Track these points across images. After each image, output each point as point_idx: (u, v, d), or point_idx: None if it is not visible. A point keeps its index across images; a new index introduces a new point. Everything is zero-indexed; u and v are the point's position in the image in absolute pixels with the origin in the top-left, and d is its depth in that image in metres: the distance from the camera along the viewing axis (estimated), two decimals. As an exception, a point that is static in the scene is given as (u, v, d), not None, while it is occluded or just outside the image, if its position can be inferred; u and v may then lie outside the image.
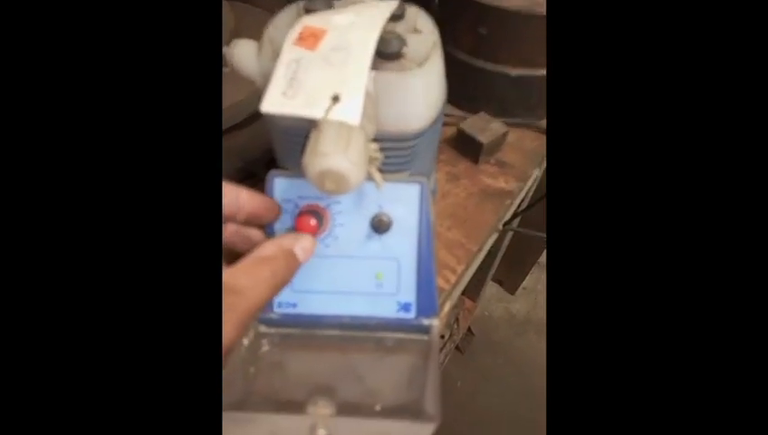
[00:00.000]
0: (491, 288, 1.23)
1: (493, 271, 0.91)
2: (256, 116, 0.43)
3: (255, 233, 0.25)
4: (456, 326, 1.01)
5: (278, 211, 0.25)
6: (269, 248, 0.21)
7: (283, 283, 0.20)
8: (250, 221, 0.24)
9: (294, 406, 0.22)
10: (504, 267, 1.05)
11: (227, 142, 0.41)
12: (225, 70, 0.28)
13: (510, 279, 1.21)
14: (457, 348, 1.12)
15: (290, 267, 0.21)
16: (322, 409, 0.22)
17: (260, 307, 0.18)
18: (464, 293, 0.98)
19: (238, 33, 0.25)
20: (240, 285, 0.18)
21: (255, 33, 0.24)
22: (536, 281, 1.29)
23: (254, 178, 0.39)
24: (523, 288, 1.26)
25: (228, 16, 0.46)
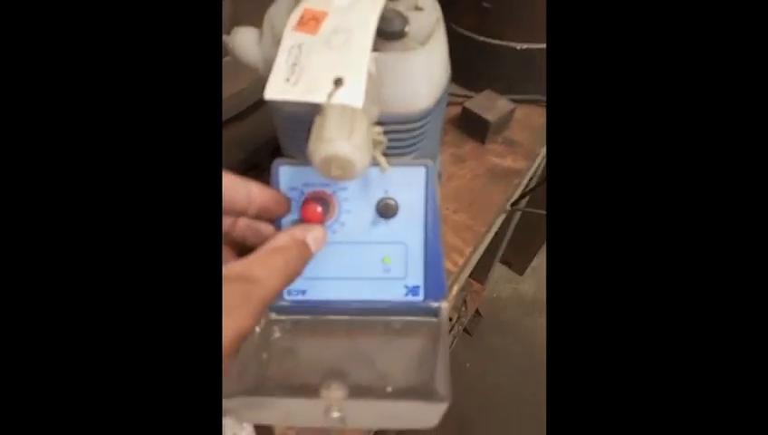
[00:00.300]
0: (499, 268, 1.23)
1: (500, 253, 0.91)
2: (258, 105, 0.42)
3: (266, 227, 0.25)
4: (464, 309, 1.02)
5: (288, 205, 0.26)
6: (282, 239, 0.21)
7: (295, 272, 0.21)
8: (260, 215, 0.24)
9: (308, 390, 0.23)
10: (512, 248, 1.04)
11: (230, 133, 0.41)
12: (225, 59, 0.28)
13: (518, 260, 1.21)
14: (465, 330, 1.13)
15: (302, 257, 0.21)
16: (335, 392, 0.22)
17: (274, 296, 0.19)
18: (471, 275, 0.99)
19: (237, 21, 0.25)
20: (255, 274, 0.18)
21: (255, 21, 0.24)
22: (544, 261, 1.29)
23: (258, 168, 0.39)
24: (532, 268, 1.26)
25: (226, 4, 0.45)
